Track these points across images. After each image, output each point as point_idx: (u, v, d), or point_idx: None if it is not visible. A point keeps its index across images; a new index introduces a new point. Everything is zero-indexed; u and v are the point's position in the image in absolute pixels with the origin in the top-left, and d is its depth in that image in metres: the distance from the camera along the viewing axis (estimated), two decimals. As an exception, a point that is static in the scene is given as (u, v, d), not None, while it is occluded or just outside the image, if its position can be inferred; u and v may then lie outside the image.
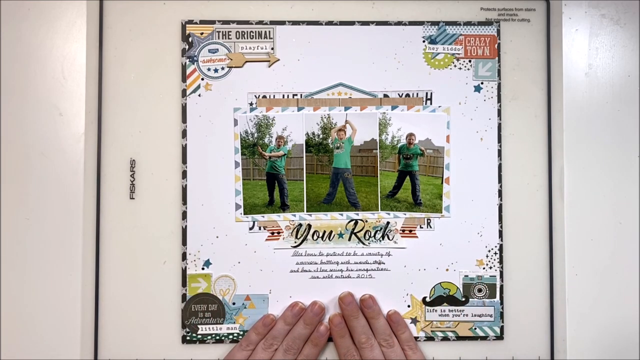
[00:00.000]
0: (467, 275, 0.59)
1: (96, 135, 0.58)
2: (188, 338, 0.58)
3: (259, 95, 0.59)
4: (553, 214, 0.59)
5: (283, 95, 0.59)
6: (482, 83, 0.59)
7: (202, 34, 0.59)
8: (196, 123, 0.58)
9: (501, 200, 0.59)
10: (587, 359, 0.57)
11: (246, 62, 0.59)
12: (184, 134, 0.58)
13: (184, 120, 0.58)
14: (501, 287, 0.59)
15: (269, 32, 0.59)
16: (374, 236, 0.59)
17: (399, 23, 0.59)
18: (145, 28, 0.59)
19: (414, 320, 0.58)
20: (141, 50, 0.58)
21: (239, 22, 0.59)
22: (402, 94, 0.59)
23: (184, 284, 0.58)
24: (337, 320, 0.56)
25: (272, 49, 0.59)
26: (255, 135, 0.59)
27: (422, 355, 0.57)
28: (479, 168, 0.59)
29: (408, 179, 0.59)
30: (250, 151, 0.59)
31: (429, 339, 0.58)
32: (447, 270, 0.59)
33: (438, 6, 0.60)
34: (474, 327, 0.58)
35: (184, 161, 0.58)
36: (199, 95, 0.59)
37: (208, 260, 0.58)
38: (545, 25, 0.60)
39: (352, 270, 0.58)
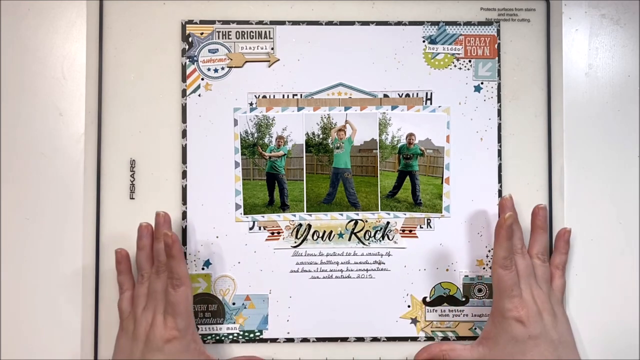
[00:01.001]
0: (467, 275, 0.59)
1: (96, 135, 0.58)
2: (188, 338, 0.57)
3: (259, 95, 0.59)
4: (553, 214, 0.59)
5: (283, 95, 0.59)
6: (482, 83, 0.59)
7: (202, 34, 0.59)
8: (196, 123, 0.58)
9: (501, 200, 0.59)
10: (587, 359, 0.57)
11: (246, 62, 0.59)
12: (184, 134, 0.58)
13: (184, 120, 0.58)
14: (501, 287, 0.59)
15: (269, 32, 0.59)
16: (374, 236, 0.59)
17: (399, 23, 0.59)
18: (145, 28, 0.59)
19: (414, 321, 0.58)
20: (141, 50, 0.58)
21: (239, 22, 0.59)
22: (402, 94, 0.59)
23: (184, 284, 0.58)
24: (510, 222, 0.53)
25: (272, 49, 0.59)
26: (255, 135, 0.59)
27: (564, 282, 0.57)
28: (479, 168, 0.59)
29: (408, 179, 0.59)
30: (250, 151, 0.59)
31: (429, 339, 0.58)
32: (447, 270, 0.59)
33: (438, 6, 0.60)
34: (474, 327, 0.58)
35: (184, 161, 0.58)
36: (199, 95, 0.59)
37: (208, 260, 0.58)
38: (545, 25, 0.60)
39: (352, 270, 0.58)
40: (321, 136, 0.59)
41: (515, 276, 0.52)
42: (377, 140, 0.59)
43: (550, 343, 0.51)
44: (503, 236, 0.53)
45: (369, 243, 0.59)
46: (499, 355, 0.52)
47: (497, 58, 0.59)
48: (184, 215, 0.58)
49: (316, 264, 0.58)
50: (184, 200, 0.58)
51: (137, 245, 0.55)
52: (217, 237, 0.58)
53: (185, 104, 0.58)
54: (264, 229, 0.58)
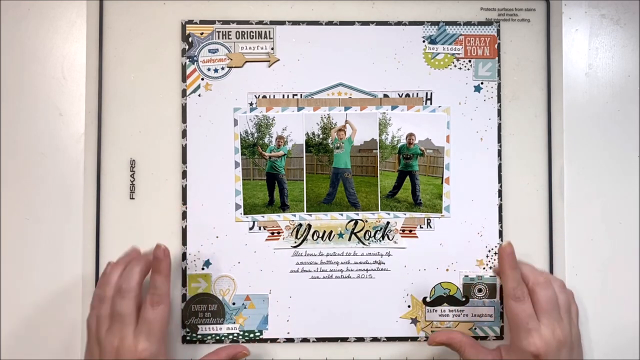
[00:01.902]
0: (467, 275, 0.59)
1: (96, 135, 0.58)
2: (188, 338, 0.58)
3: (259, 95, 0.59)
4: (553, 214, 0.59)
5: (283, 95, 0.59)
6: (482, 83, 0.59)
7: (202, 34, 0.59)
8: (196, 123, 0.58)
9: (501, 200, 0.59)
10: (587, 359, 0.57)
11: (246, 62, 0.59)
12: (184, 134, 0.58)
13: (184, 120, 0.58)
14: (501, 287, 0.59)
15: (269, 32, 0.59)
16: (374, 236, 0.59)
17: (399, 23, 0.59)
18: (145, 28, 0.59)
19: (414, 321, 0.58)
20: (141, 51, 0.58)
21: (239, 22, 0.59)
22: (402, 94, 0.59)
23: (184, 284, 0.58)
24: (510, 249, 0.52)
25: (272, 49, 0.59)
26: (255, 135, 0.59)
27: (576, 307, 0.54)
28: (479, 168, 0.59)
29: (408, 179, 0.59)
30: (250, 151, 0.59)
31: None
32: (447, 270, 0.59)
33: (438, 6, 0.60)
34: (474, 327, 0.58)
35: (184, 161, 0.58)
36: (199, 95, 0.59)
37: (208, 260, 0.58)
38: (545, 25, 0.60)
39: (352, 270, 0.58)
40: (321, 136, 0.59)
41: (530, 307, 0.51)
42: (377, 140, 0.59)
43: None
44: (507, 265, 0.52)
45: (369, 243, 0.59)
46: None
47: (497, 58, 0.59)
48: (184, 215, 0.58)
49: (316, 264, 0.58)
50: (184, 200, 0.58)
51: (118, 262, 0.53)
52: (217, 237, 0.58)
53: (185, 104, 0.58)
54: (264, 229, 0.58)
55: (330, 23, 0.59)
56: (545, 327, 0.50)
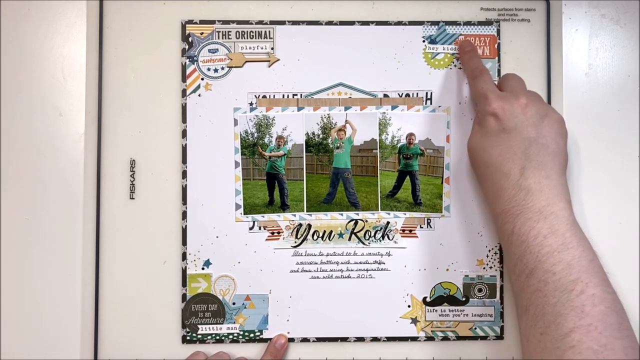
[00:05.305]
0: (467, 275, 0.59)
1: (96, 135, 0.58)
2: (188, 338, 0.58)
3: (259, 95, 0.59)
4: (553, 214, 0.59)
5: (283, 95, 0.59)
6: (482, 83, 0.59)
7: (202, 34, 0.59)
8: (196, 123, 0.58)
9: (501, 200, 0.59)
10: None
11: (246, 62, 0.59)
12: (184, 134, 0.58)
13: (184, 120, 0.58)
14: (501, 287, 0.59)
15: (269, 32, 0.59)
16: (374, 236, 0.59)
17: (399, 23, 0.59)
18: (145, 28, 0.59)
19: (414, 321, 0.58)
20: (141, 51, 0.58)
21: (239, 22, 0.59)
22: (402, 94, 0.59)
23: (184, 284, 0.58)
24: (465, 44, 0.58)
25: (272, 49, 0.59)
26: (255, 135, 0.59)
27: None
28: (479, 168, 0.59)
29: (408, 179, 0.59)
30: (250, 151, 0.59)
31: (429, 339, 0.58)
32: (447, 270, 0.59)
33: (438, 6, 0.60)
34: (474, 327, 0.58)
35: (184, 161, 0.58)
36: (199, 95, 0.59)
37: (208, 260, 0.58)
38: (545, 25, 0.60)
39: (352, 270, 0.58)
40: (321, 136, 0.59)
41: (491, 82, 0.54)
42: (377, 140, 0.59)
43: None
44: (466, 57, 0.57)
45: (369, 243, 0.59)
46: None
47: (497, 58, 0.59)
48: (184, 215, 0.58)
49: (316, 264, 0.58)
50: (184, 200, 0.58)
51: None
52: (217, 237, 0.58)
53: (185, 104, 0.58)
54: (264, 229, 0.58)
55: (330, 23, 0.59)
56: (506, 94, 0.52)
